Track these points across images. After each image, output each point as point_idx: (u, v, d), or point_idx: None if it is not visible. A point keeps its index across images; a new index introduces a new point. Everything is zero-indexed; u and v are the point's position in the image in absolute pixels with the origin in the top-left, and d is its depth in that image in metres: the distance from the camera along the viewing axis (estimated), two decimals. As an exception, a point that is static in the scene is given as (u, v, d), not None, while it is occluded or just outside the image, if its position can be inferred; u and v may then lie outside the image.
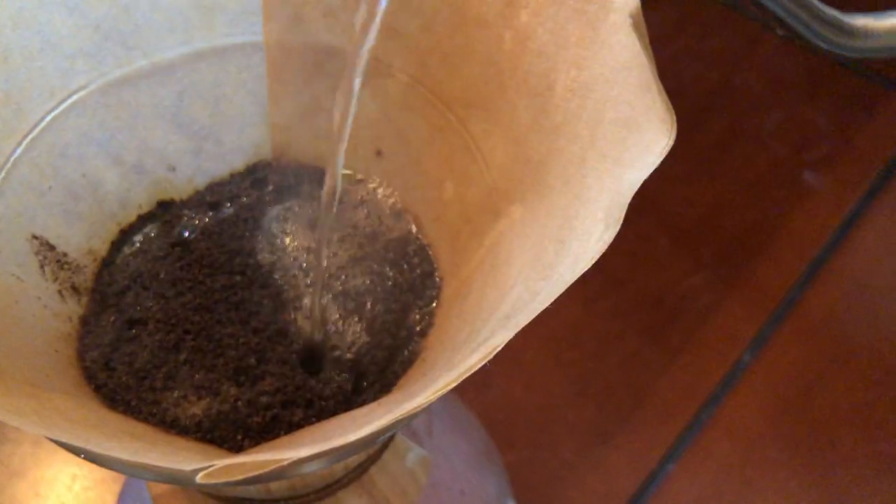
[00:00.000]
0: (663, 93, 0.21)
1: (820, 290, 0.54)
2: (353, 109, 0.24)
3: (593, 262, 0.21)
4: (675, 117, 0.22)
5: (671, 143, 0.22)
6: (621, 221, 0.21)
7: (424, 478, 0.32)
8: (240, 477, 0.20)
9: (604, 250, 0.21)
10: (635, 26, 0.22)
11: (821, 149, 0.60)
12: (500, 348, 0.20)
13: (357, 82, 0.24)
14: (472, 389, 0.49)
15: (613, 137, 0.22)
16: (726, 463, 0.49)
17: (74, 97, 0.28)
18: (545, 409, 0.50)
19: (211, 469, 0.20)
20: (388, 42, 0.28)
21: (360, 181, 0.30)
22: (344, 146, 0.25)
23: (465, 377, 0.20)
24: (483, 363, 0.20)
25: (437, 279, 0.28)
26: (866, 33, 0.22)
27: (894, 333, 0.52)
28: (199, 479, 0.20)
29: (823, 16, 0.22)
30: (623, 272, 0.55)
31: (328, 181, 0.26)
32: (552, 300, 0.21)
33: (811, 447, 0.49)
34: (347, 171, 0.30)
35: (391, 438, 0.30)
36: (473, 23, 0.27)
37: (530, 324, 0.20)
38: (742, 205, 0.58)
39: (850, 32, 0.22)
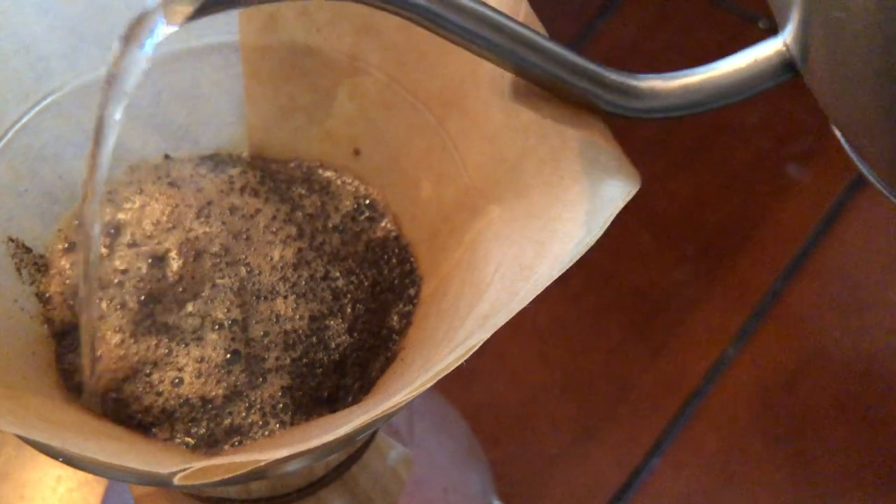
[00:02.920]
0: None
1: (804, 283, 0.54)
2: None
3: (572, 263, 0.21)
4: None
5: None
6: (605, 229, 0.21)
7: (407, 476, 0.32)
8: (217, 478, 0.20)
9: (583, 253, 0.21)
10: None
11: (803, 142, 0.60)
12: (476, 348, 0.20)
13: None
14: (455, 386, 0.49)
15: (583, 136, 0.22)
16: (711, 457, 0.49)
17: (50, 98, 0.27)
18: (529, 404, 0.50)
19: (189, 471, 0.20)
20: (366, 40, 0.28)
21: (339, 181, 0.30)
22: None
23: (440, 377, 0.20)
24: (459, 363, 0.20)
25: (417, 278, 0.28)
26: (654, 94, 0.22)
27: (877, 326, 0.52)
28: (177, 480, 0.20)
29: (607, 81, 0.22)
30: (606, 267, 0.54)
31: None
32: (530, 300, 0.21)
33: (796, 440, 0.49)
34: (327, 173, 0.30)
35: (372, 437, 0.30)
36: (449, 21, 0.27)
37: (514, 320, 0.21)
38: (725, 199, 0.58)
39: (638, 95, 0.22)
